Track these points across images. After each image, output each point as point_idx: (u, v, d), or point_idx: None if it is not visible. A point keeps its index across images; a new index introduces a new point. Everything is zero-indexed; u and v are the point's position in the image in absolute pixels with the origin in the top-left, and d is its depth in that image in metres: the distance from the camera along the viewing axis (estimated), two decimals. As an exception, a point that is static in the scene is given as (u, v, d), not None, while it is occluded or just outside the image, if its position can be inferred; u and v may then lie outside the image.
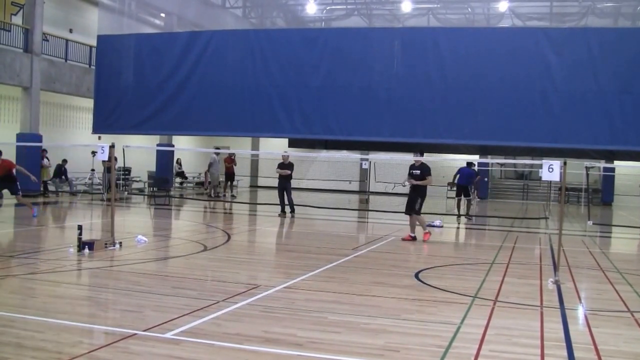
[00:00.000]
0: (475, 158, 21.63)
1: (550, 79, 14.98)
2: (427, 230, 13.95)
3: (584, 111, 14.84)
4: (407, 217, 14.02)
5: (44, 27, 23.73)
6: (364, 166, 30.17)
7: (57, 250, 10.71)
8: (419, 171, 13.66)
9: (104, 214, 17.91)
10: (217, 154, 27.31)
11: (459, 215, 21.19)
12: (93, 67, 23.39)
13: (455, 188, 22.26)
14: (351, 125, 16.58)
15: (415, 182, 13.69)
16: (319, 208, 22.46)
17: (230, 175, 27.84)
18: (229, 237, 13.59)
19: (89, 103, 21.60)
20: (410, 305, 7.83)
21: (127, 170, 26.92)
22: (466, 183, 21.05)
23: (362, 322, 6.47)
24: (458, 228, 18.66)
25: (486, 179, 33.71)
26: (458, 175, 21.27)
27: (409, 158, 13.93)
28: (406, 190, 14.42)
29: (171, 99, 17.82)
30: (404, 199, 14.41)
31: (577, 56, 14.98)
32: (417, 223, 13.89)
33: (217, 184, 27.83)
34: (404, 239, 13.70)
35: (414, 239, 13.67)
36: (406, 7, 32.25)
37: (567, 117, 14.91)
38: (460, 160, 23.13)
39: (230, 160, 27.75)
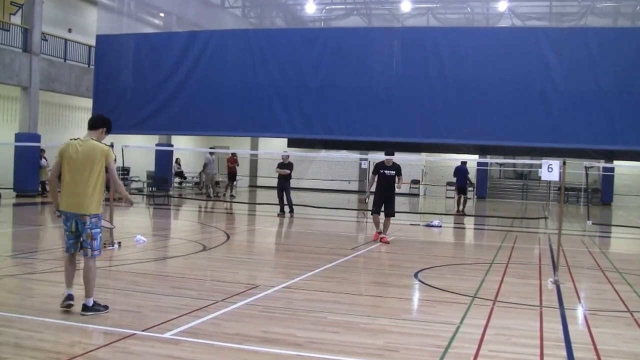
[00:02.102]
0: (474, 158, 21.80)
1: (550, 79, 14.96)
2: (391, 236, 13.56)
3: (583, 111, 14.82)
4: (381, 216, 13.52)
5: (43, 26, 23.71)
6: (363, 166, 30.16)
7: (56, 250, 10.69)
8: (393, 171, 13.35)
9: (102, 213, 17.87)
10: (212, 154, 27.36)
11: (458, 212, 21.58)
12: (92, 67, 23.35)
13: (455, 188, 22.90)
14: (351, 125, 16.55)
15: (400, 183, 13.39)
16: (318, 208, 22.45)
17: (232, 175, 27.97)
18: (228, 237, 13.59)
19: (88, 103, 21.57)
20: (410, 305, 7.83)
21: (126, 170, 26.88)
22: (465, 182, 21.79)
23: (362, 322, 6.46)
24: (457, 228, 18.66)
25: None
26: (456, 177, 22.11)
27: (409, 158, 13.89)
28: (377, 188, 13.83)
29: (170, 98, 17.78)
30: (403, 199, 14.32)
31: (577, 56, 14.95)
32: (375, 225, 13.51)
33: (215, 184, 27.87)
34: (380, 240, 13.21)
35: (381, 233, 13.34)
36: (405, 6, 32.26)
37: (567, 116, 14.89)
38: (460, 159, 23.57)
39: (233, 160, 27.86)
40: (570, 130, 14.89)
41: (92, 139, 6.49)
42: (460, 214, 21.68)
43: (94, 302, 6.38)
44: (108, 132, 6.73)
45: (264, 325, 6.16)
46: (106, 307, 6.45)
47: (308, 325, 6.24)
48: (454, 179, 24.35)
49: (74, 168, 6.33)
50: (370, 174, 14.08)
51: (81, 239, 6.37)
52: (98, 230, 6.40)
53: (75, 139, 6.53)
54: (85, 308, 6.29)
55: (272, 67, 17.03)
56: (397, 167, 13.46)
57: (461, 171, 22.15)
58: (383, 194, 13.47)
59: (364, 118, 16.33)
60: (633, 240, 17.58)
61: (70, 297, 6.34)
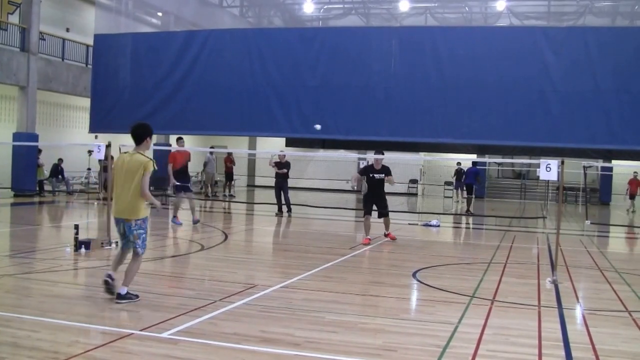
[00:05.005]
0: (473, 157, 21.92)
1: (548, 78, 14.96)
2: (390, 231, 13.54)
3: (582, 110, 14.83)
4: (371, 218, 13.33)
5: (41, 26, 23.67)
6: (361, 165, 30.14)
7: (54, 249, 10.68)
8: (382, 174, 13.07)
9: (100, 213, 17.87)
10: (212, 153, 27.38)
11: (467, 212, 21.94)
12: (90, 66, 23.32)
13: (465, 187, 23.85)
14: (349, 125, 16.56)
15: (392, 182, 13.28)
16: (316, 207, 22.43)
17: (229, 175, 28.04)
18: (227, 236, 13.57)
19: (86, 102, 21.54)
20: (408, 305, 7.82)
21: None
22: (473, 181, 22.31)
23: (360, 322, 6.45)
24: (456, 227, 18.67)
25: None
26: (464, 176, 22.97)
27: (408, 157, 13.85)
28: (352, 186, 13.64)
29: (168, 98, 17.78)
30: (401, 199, 14.26)
31: (575, 55, 14.96)
32: (365, 230, 13.28)
33: (214, 183, 27.90)
34: (386, 235, 13.39)
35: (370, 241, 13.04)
36: (404, 6, 32.25)
37: (565, 116, 14.90)
38: (457, 159, 23.99)
39: (230, 160, 27.93)
40: (569, 129, 14.90)
41: (139, 152, 7.13)
42: (468, 213, 21.92)
43: (127, 291, 6.94)
44: (151, 136, 7.28)
45: (262, 325, 6.15)
46: (137, 296, 7.01)
47: (306, 325, 6.23)
48: (453, 179, 25.56)
49: (122, 179, 7.05)
50: (358, 173, 13.90)
51: (130, 239, 7.07)
52: (142, 231, 7.08)
53: (126, 152, 7.22)
54: (119, 296, 6.87)
55: (270, 67, 17.02)
56: (386, 170, 13.17)
57: (471, 171, 22.62)
58: (372, 195, 13.35)
59: (362, 117, 16.34)
60: (631, 240, 17.58)
61: (109, 275, 7.01)
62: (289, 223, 17.41)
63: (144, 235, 7.11)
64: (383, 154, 13.38)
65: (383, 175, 13.13)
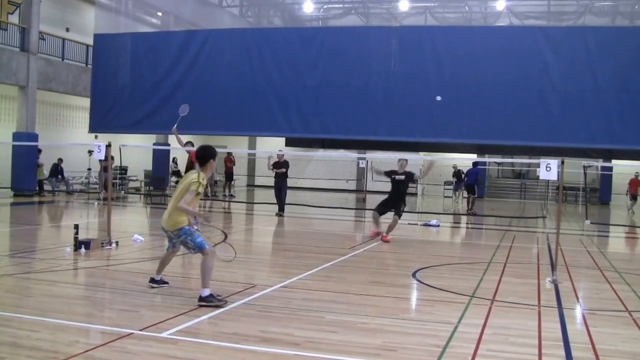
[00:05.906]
0: (473, 157, 21.94)
1: (548, 78, 14.97)
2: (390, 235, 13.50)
3: (581, 110, 14.84)
4: (371, 214, 13.78)
5: (41, 26, 23.67)
6: (361, 165, 30.18)
7: (54, 249, 10.67)
8: (403, 176, 13.33)
9: (100, 213, 17.86)
10: None
11: (468, 212, 22.16)
12: (90, 66, 23.33)
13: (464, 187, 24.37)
14: (348, 124, 16.56)
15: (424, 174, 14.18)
16: (316, 207, 22.43)
17: (229, 175, 28.06)
18: (226, 236, 13.56)
19: (86, 102, 21.55)
20: (408, 305, 7.82)
21: (123, 170, 26.87)
22: (474, 181, 22.44)
23: (360, 322, 6.45)
24: (455, 227, 18.66)
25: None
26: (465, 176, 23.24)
27: (408, 157, 13.90)
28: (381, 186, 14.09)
29: (168, 98, 17.76)
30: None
31: (575, 55, 14.96)
32: (374, 223, 13.61)
33: (214, 183, 27.90)
34: (381, 238, 13.31)
35: (379, 234, 13.35)
36: (403, 5, 32.24)
37: (565, 116, 14.90)
38: (457, 159, 24.06)
39: (230, 160, 27.96)
40: (569, 129, 14.91)
41: (197, 171, 7.23)
42: (470, 213, 22.01)
43: (210, 294, 6.87)
44: (214, 157, 7.34)
45: (262, 325, 6.14)
46: (223, 302, 6.88)
47: (306, 325, 6.23)
48: (453, 179, 25.86)
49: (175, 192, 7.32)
50: (384, 173, 14.04)
51: (181, 245, 7.40)
52: (184, 236, 7.14)
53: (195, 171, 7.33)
54: (200, 298, 6.85)
55: (269, 67, 17.03)
56: (408, 174, 13.40)
57: (471, 172, 22.81)
58: (390, 198, 13.57)
59: (361, 117, 16.34)
60: (631, 240, 17.57)
61: (151, 279, 7.62)
62: (289, 223, 17.39)
63: (189, 238, 7.10)
64: (407, 160, 13.65)
65: (403, 177, 13.38)
